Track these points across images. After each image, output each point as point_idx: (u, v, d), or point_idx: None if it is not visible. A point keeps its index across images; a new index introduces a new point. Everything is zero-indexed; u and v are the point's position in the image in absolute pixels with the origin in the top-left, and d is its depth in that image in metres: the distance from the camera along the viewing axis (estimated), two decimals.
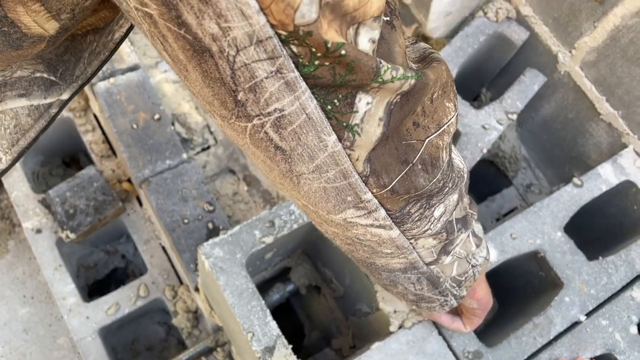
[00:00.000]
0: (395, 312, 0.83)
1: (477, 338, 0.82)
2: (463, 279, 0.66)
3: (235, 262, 0.82)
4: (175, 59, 0.39)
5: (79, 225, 1.05)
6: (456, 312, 0.79)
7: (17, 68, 0.49)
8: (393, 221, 0.52)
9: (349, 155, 0.45)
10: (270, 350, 0.76)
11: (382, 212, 0.51)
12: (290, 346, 0.78)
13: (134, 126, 1.07)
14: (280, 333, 0.78)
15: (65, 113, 1.18)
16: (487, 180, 1.25)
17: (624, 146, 1.03)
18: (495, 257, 0.88)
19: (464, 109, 1.04)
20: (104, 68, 1.12)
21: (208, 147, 1.24)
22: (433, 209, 0.55)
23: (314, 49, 0.36)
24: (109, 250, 1.21)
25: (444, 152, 0.51)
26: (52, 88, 0.53)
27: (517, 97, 1.08)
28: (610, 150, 1.06)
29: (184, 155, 1.07)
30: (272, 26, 0.35)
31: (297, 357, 0.77)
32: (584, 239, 0.95)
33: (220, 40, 0.35)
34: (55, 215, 1.06)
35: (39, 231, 1.09)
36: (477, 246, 0.65)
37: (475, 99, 1.29)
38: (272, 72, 0.37)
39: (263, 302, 0.80)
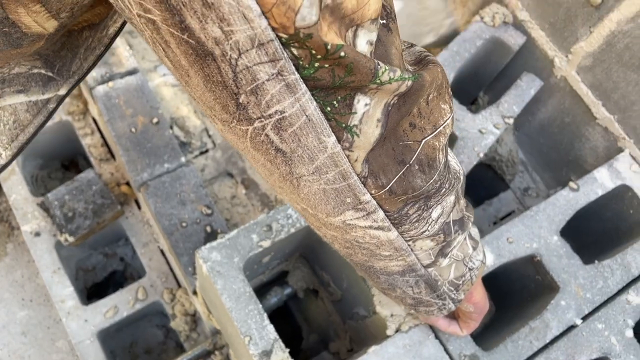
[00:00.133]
0: (392, 315, 0.83)
1: (473, 342, 0.82)
2: (460, 282, 0.66)
3: (233, 266, 0.82)
4: (177, 65, 0.39)
5: (78, 229, 1.06)
6: (453, 315, 0.79)
7: (15, 65, 0.50)
8: (391, 222, 0.53)
9: (348, 156, 0.45)
10: (267, 353, 0.77)
11: (381, 214, 0.51)
12: (288, 350, 0.78)
13: (133, 130, 1.08)
14: (278, 337, 0.78)
15: (64, 116, 1.18)
16: (485, 183, 1.26)
17: (620, 150, 1.04)
18: (491, 261, 0.88)
19: (461, 113, 1.04)
20: (103, 72, 1.12)
21: (206, 151, 1.24)
22: (431, 210, 0.55)
23: (314, 51, 0.37)
24: (107, 253, 1.22)
25: (441, 153, 0.52)
26: (50, 84, 0.54)
27: (513, 101, 1.09)
28: (607, 154, 1.07)
29: (183, 159, 1.07)
30: (274, 29, 0.35)
31: None
32: (580, 242, 0.95)
33: (223, 44, 0.36)
34: (54, 218, 1.06)
35: (37, 234, 1.09)
36: (474, 249, 0.66)
37: (472, 103, 1.30)
38: (273, 75, 0.38)
39: (260, 305, 0.80)
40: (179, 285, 1.09)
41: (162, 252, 1.12)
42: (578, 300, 0.87)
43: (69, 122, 1.19)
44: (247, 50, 0.36)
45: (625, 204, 1.01)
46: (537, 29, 1.09)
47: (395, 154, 0.48)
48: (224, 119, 0.42)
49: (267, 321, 0.79)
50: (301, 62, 0.38)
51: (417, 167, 0.50)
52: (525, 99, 1.09)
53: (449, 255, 0.62)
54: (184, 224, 1.01)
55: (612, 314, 0.86)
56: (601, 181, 0.98)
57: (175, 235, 1.00)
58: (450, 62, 1.08)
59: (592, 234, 1.04)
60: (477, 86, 1.25)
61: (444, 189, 0.55)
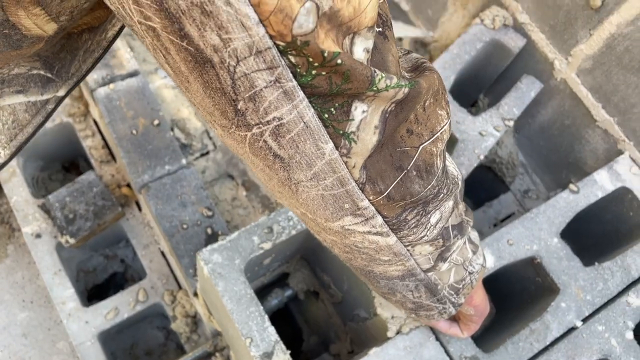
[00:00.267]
0: (392, 317, 0.83)
1: (474, 343, 0.82)
2: (461, 286, 0.67)
3: (234, 268, 0.82)
4: (177, 71, 0.40)
5: (79, 230, 1.06)
6: (453, 318, 0.79)
7: (14, 66, 0.51)
8: (390, 228, 0.53)
9: (345, 163, 0.45)
10: (268, 355, 0.77)
11: (379, 219, 0.51)
12: (289, 351, 0.78)
13: (134, 132, 1.08)
14: (279, 338, 0.78)
15: (65, 118, 1.19)
16: (485, 186, 1.26)
17: (620, 153, 1.04)
18: (491, 263, 0.88)
19: (461, 115, 1.05)
20: (104, 74, 1.12)
21: (207, 153, 1.24)
22: (429, 215, 0.55)
23: (311, 59, 0.37)
24: (108, 255, 1.22)
25: (438, 158, 0.52)
26: (49, 85, 0.54)
27: (514, 103, 1.09)
28: (607, 156, 1.07)
29: (183, 161, 1.07)
30: (271, 37, 0.36)
31: None
32: (580, 245, 0.95)
33: (221, 51, 0.36)
34: (55, 220, 1.07)
35: (38, 236, 1.09)
36: (474, 253, 0.66)
37: (472, 106, 1.30)
38: (271, 82, 0.38)
39: (261, 307, 0.80)
40: (180, 287, 1.09)
41: (162, 253, 1.12)
42: (578, 302, 0.87)
43: (70, 124, 1.19)
44: (245, 58, 0.37)
45: (625, 206, 1.01)
46: (537, 31, 1.10)
47: (393, 160, 0.49)
48: (223, 124, 0.43)
49: (268, 323, 0.79)
50: (299, 70, 0.38)
51: (414, 173, 0.50)
52: (525, 102, 1.10)
53: (448, 260, 0.62)
54: (184, 226, 1.01)
55: (612, 316, 0.87)
56: (601, 183, 0.98)
57: (176, 237, 1.00)
58: (451, 65, 1.08)
59: (592, 236, 1.04)
60: (477, 88, 1.25)
61: (442, 195, 0.55)
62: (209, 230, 1.02)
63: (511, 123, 1.06)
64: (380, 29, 0.44)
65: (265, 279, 1.04)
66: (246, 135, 0.43)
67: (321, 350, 1.13)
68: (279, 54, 0.37)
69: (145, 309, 1.06)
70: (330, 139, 0.43)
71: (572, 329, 0.86)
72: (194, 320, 1.07)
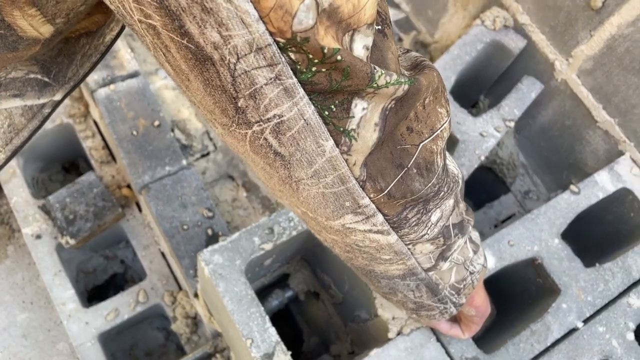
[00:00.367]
0: (393, 318, 0.83)
1: (475, 344, 0.82)
2: (462, 286, 0.66)
3: (235, 269, 0.82)
4: (178, 69, 0.40)
5: (79, 231, 1.06)
6: (454, 318, 0.79)
7: (11, 69, 0.50)
8: (391, 226, 0.53)
9: (346, 160, 0.45)
10: (269, 356, 0.77)
11: (380, 217, 0.51)
12: (289, 352, 0.78)
13: (134, 132, 1.08)
14: (280, 339, 0.78)
15: (65, 119, 1.19)
16: (485, 186, 1.26)
17: (621, 153, 1.04)
18: (492, 264, 0.88)
19: (462, 116, 1.05)
20: (105, 75, 1.12)
21: (207, 154, 1.24)
22: (430, 214, 0.55)
23: (311, 56, 0.37)
24: (108, 255, 1.22)
25: (439, 156, 0.52)
26: (46, 89, 0.54)
27: (514, 104, 1.09)
28: (607, 157, 1.07)
29: (184, 162, 1.07)
30: (271, 34, 0.36)
31: None
32: (581, 245, 0.95)
33: (222, 49, 0.36)
34: (55, 221, 1.06)
35: (38, 237, 1.09)
36: (475, 253, 0.66)
37: (473, 106, 1.30)
38: (271, 79, 0.38)
39: (262, 308, 0.80)
40: (180, 288, 1.09)
41: (162, 254, 1.12)
42: (579, 303, 0.87)
43: (70, 125, 1.19)
44: (246, 55, 0.37)
45: (626, 207, 1.01)
46: (538, 32, 1.10)
47: (394, 157, 0.49)
48: (223, 122, 0.43)
49: (269, 324, 0.79)
50: (299, 67, 0.38)
51: (415, 170, 0.50)
52: (526, 102, 1.10)
53: (449, 259, 0.62)
54: (185, 227, 1.01)
55: (613, 317, 0.87)
56: (602, 184, 0.98)
57: (176, 238, 1.00)
58: (451, 66, 1.08)
59: (593, 237, 1.04)
60: (478, 89, 1.26)
61: (443, 193, 0.55)
62: (210, 231, 1.02)
63: (512, 124, 1.06)
64: (380, 27, 0.44)
65: (265, 280, 1.04)
66: (247, 133, 0.43)
67: (322, 351, 1.13)
68: (279, 51, 0.37)
69: (145, 309, 1.06)
70: (331, 136, 0.43)
71: (573, 330, 0.86)
72: (194, 321, 1.07)
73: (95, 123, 1.20)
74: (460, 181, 0.59)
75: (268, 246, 0.84)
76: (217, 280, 0.81)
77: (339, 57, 0.38)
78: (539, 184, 1.25)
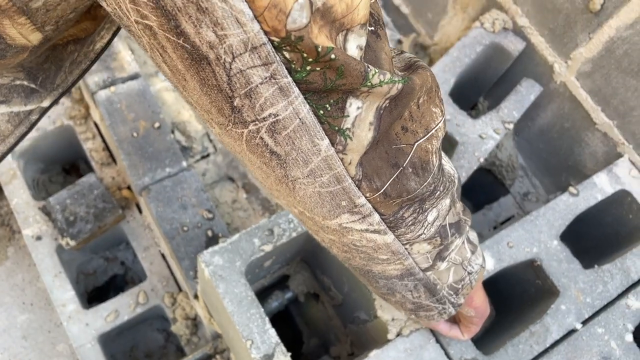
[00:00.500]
0: (393, 320, 0.83)
1: (474, 346, 0.82)
2: (460, 286, 0.67)
3: (235, 270, 0.82)
4: (174, 69, 0.40)
5: (79, 233, 1.06)
6: (454, 319, 0.79)
7: None
8: (387, 226, 0.53)
9: (341, 160, 0.46)
10: (269, 357, 0.77)
11: (376, 217, 0.52)
12: (289, 354, 0.78)
13: (134, 134, 1.08)
14: (279, 341, 0.78)
15: (65, 121, 1.19)
16: (484, 188, 1.26)
17: (620, 156, 1.04)
18: (491, 266, 0.88)
19: (461, 118, 1.05)
20: (105, 76, 1.12)
21: (207, 155, 1.25)
22: (426, 213, 0.56)
23: (305, 54, 0.38)
24: (108, 257, 1.22)
25: (434, 156, 0.53)
26: (33, 95, 0.54)
27: (513, 106, 1.09)
28: (606, 159, 1.08)
29: (184, 163, 1.08)
30: (266, 33, 0.36)
31: None
32: (580, 247, 0.96)
33: (217, 48, 0.37)
34: (56, 222, 1.07)
35: (39, 238, 1.09)
36: (473, 253, 0.66)
37: (472, 108, 1.30)
38: (266, 78, 0.39)
39: (262, 309, 0.80)
40: (180, 289, 1.09)
41: (163, 256, 1.12)
42: (578, 305, 0.87)
43: (71, 127, 1.19)
44: (241, 54, 0.37)
45: (624, 209, 1.02)
46: (537, 34, 1.10)
47: (389, 157, 0.49)
48: (220, 122, 0.43)
49: (268, 325, 0.79)
50: (293, 66, 0.39)
51: (410, 170, 0.51)
52: (525, 105, 1.10)
53: (447, 259, 0.62)
54: (185, 228, 1.01)
55: (612, 318, 0.87)
56: (601, 186, 0.98)
57: (176, 240, 1.00)
58: (451, 68, 1.09)
59: (591, 239, 1.04)
60: (477, 91, 1.26)
61: (439, 192, 0.55)
62: (210, 233, 1.02)
63: (511, 126, 1.07)
64: (373, 28, 0.45)
65: (265, 281, 1.04)
66: (243, 132, 0.43)
67: (321, 352, 1.13)
68: (273, 50, 0.37)
69: (145, 311, 1.06)
70: (326, 135, 0.44)
71: (572, 332, 0.86)
72: (194, 323, 1.07)
73: (96, 125, 1.20)
74: (456, 181, 0.60)
75: (268, 247, 0.85)
76: (217, 281, 0.81)
77: (332, 56, 0.38)
78: (538, 185, 1.26)
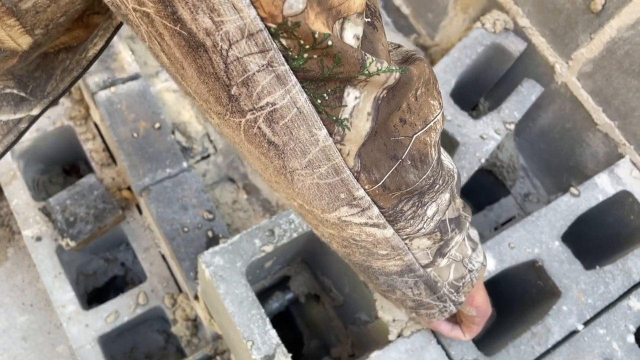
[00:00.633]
0: (394, 320, 0.83)
1: (475, 347, 0.82)
2: (461, 284, 0.66)
3: (236, 271, 0.82)
4: (172, 58, 0.40)
5: (79, 233, 1.06)
6: (455, 320, 0.79)
7: None
8: (386, 219, 0.53)
9: (339, 150, 0.46)
10: (270, 358, 0.77)
11: (376, 210, 0.51)
12: (290, 355, 0.78)
13: (135, 135, 1.08)
14: (280, 342, 0.78)
15: (66, 121, 1.19)
16: (485, 189, 1.26)
17: (621, 156, 1.04)
18: (493, 267, 0.88)
19: (462, 118, 1.05)
20: (105, 77, 1.12)
21: (208, 156, 1.24)
22: (425, 207, 0.55)
23: (302, 41, 0.38)
24: (108, 258, 1.22)
25: (433, 149, 0.53)
26: (22, 104, 0.54)
27: (514, 107, 1.09)
28: (607, 160, 1.07)
29: (184, 164, 1.07)
30: (262, 19, 0.36)
31: None
32: (582, 248, 0.95)
33: (214, 35, 0.37)
34: (56, 223, 1.06)
35: (38, 239, 1.09)
36: (473, 250, 0.66)
37: (473, 109, 1.30)
38: (263, 66, 0.39)
39: (263, 310, 0.80)
40: (180, 290, 1.09)
41: (163, 257, 1.12)
42: (579, 306, 0.87)
43: (71, 127, 1.19)
44: (237, 41, 0.37)
45: (626, 209, 1.02)
46: (538, 35, 1.10)
47: (388, 149, 0.49)
48: (218, 111, 0.43)
49: (269, 326, 0.79)
50: (290, 53, 0.38)
51: (409, 162, 0.51)
52: (526, 105, 1.10)
53: (447, 255, 0.62)
54: (185, 229, 1.01)
55: (614, 319, 0.87)
56: (602, 187, 0.98)
57: (176, 240, 1.00)
58: (452, 68, 1.09)
59: (593, 240, 1.04)
60: (478, 92, 1.26)
61: (438, 186, 0.55)
62: (210, 234, 1.02)
63: (512, 126, 1.06)
64: (369, 20, 0.45)
65: (266, 282, 1.04)
66: (240, 121, 0.43)
67: (322, 353, 1.13)
68: (270, 37, 0.37)
69: (145, 312, 1.06)
70: (324, 125, 0.44)
71: (574, 333, 0.86)
72: (195, 324, 1.07)
73: (96, 125, 1.20)
74: (455, 175, 0.60)
75: (269, 248, 0.84)
76: (217, 282, 0.81)
77: (329, 43, 0.38)
78: (539, 186, 1.25)
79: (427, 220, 0.56)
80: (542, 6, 1.07)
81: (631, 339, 0.86)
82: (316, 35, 0.37)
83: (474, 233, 0.67)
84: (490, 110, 1.16)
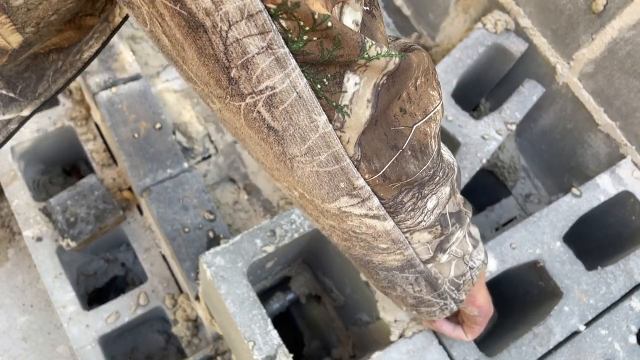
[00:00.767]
0: (395, 321, 0.83)
1: (477, 347, 0.82)
2: (461, 281, 0.66)
3: (237, 271, 0.82)
4: (173, 39, 0.40)
5: (80, 234, 1.05)
6: (457, 320, 0.79)
7: None
8: (387, 211, 0.53)
9: (339, 137, 0.45)
10: (271, 358, 0.77)
11: (376, 201, 0.51)
12: (291, 355, 0.78)
13: (135, 135, 1.08)
14: (282, 342, 0.78)
15: (66, 122, 1.19)
16: (487, 190, 1.26)
17: (622, 157, 1.04)
18: (494, 267, 0.88)
19: (463, 119, 1.05)
20: (106, 77, 1.12)
21: (209, 156, 1.24)
22: (426, 199, 0.55)
23: (302, 23, 0.38)
24: (109, 258, 1.21)
25: (433, 140, 0.53)
26: (11, 104, 0.53)
27: (516, 107, 1.09)
28: (609, 160, 1.07)
29: (185, 164, 1.07)
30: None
31: None
32: (583, 248, 0.95)
33: (213, 15, 0.37)
34: (56, 223, 1.06)
35: (39, 239, 1.09)
36: (474, 247, 0.66)
37: (474, 109, 1.30)
38: (262, 48, 0.38)
39: (264, 311, 0.80)
40: (181, 291, 1.09)
41: (163, 257, 1.12)
42: (581, 306, 0.87)
43: (71, 128, 1.19)
44: (237, 22, 0.37)
45: (627, 210, 1.01)
46: (539, 35, 1.10)
47: (388, 138, 0.49)
48: (219, 95, 0.43)
49: (271, 326, 0.79)
50: (290, 35, 0.38)
51: (409, 152, 0.51)
52: (527, 106, 1.10)
53: (448, 251, 0.62)
54: (186, 230, 1.01)
55: (616, 320, 0.86)
56: (603, 187, 0.98)
57: (177, 241, 1.00)
58: (453, 69, 1.09)
59: (594, 240, 1.04)
60: (479, 92, 1.26)
61: (438, 177, 0.55)
62: (211, 234, 1.01)
63: (513, 127, 1.06)
64: (367, 8, 0.45)
65: (267, 283, 1.04)
66: (240, 105, 0.43)
67: (323, 354, 1.13)
68: (270, 18, 0.37)
69: (146, 312, 1.06)
70: (324, 111, 0.43)
71: (576, 333, 0.85)
72: (195, 324, 1.07)
73: (97, 126, 1.20)
74: (455, 169, 0.60)
75: (270, 248, 0.84)
76: (219, 282, 0.81)
77: (329, 24, 0.38)
78: (540, 187, 1.25)
79: (427, 213, 0.56)
80: (543, 6, 1.06)
81: (633, 339, 0.86)
82: (316, 16, 0.37)
83: (475, 230, 0.67)
84: (491, 111, 1.16)
